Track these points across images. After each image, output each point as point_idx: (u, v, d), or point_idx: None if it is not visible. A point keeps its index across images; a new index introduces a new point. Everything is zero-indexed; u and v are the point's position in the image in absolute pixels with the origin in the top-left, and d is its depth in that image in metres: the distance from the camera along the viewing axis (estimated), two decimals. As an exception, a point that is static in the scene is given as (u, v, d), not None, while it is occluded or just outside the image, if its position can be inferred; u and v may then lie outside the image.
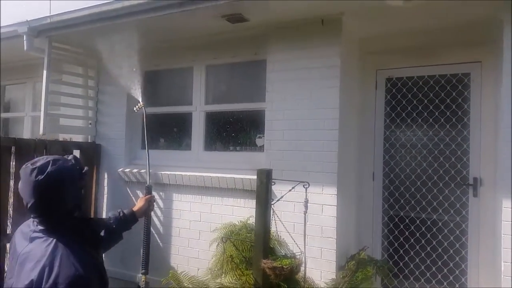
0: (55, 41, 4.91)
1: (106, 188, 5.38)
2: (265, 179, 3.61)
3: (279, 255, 4.00)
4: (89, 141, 5.45)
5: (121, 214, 2.59)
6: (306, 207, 3.64)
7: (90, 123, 5.48)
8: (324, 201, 3.95)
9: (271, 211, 3.76)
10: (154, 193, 4.97)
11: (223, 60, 4.87)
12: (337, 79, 3.96)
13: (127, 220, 2.61)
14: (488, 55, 3.97)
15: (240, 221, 4.35)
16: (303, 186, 3.67)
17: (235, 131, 4.86)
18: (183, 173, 4.76)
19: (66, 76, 5.30)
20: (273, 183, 3.68)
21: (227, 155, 4.82)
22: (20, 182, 1.83)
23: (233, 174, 4.45)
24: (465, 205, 4.10)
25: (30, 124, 6.54)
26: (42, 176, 1.75)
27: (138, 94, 4.38)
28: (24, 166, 1.83)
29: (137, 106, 4.43)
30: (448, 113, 4.20)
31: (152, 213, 4.97)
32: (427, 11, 3.69)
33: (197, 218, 4.72)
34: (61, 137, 5.52)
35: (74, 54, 5.28)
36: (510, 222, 3.19)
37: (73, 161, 1.92)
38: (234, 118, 4.87)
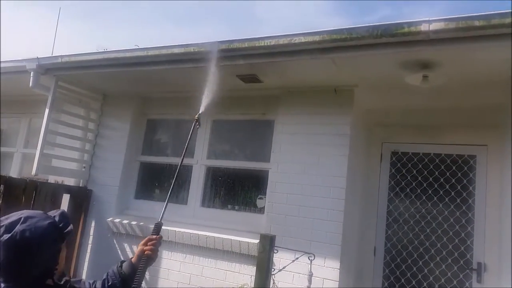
0: (62, 80, 4.86)
1: (91, 237, 5.08)
2: (268, 246, 3.44)
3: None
4: (81, 185, 5.22)
5: (119, 268, 1.88)
6: (310, 281, 3.46)
7: (84, 167, 5.29)
8: (326, 275, 3.76)
9: (272, 281, 3.55)
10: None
11: (230, 116, 4.85)
12: (347, 147, 3.94)
13: (123, 276, 1.87)
14: (495, 139, 4.04)
15: None
16: (308, 258, 3.52)
17: (235, 189, 4.73)
18: (176, 229, 4.53)
19: (65, 116, 5.18)
20: (275, 251, 3.51)
21: (224, 214, 4.64)
22: None
23: (230, 235, 4.25)
24: (469, 291, 3.96)
25: (20, 161, 6.29)
26: (8, 236, 1.52)
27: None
28: None
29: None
30: (452, 193, 4.18)
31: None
32: (438, 92, 3.77)
33: (186, 281, 4.43)
34: (53, 179, 5.28)
35: (79, 95, 5.21)
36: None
37: (56, 218, 1.67)
38: (235, 176, 4.76)
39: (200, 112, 2.59)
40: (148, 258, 1.87)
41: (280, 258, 3.72)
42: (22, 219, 1.58)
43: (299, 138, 4.20)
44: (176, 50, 3.90)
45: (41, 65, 4.61)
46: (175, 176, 2.38)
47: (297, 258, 3.57)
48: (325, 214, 3.90)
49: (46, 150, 4.81)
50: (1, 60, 5.06)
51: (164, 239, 4.49)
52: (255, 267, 4.01)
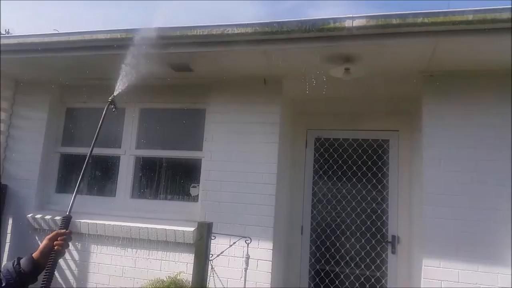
0: (-33, 67, 4.37)
1: (9, 235, 4.71)
2: (206, 233, 3.52)
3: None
4: (-7, 180, 4.80)
5: (17, 267, 1.66)
6: (247, 263, 3.62)
7: (-3, 161, 4.85)
8: (260, 256, 3.95)
9: (210, 267, 3.65)
10: (68, 243, 4.53)
11: (160, 104, 4.78)
12: (277, 135, 4.13)
13: (21, 274, 1.64)
14: (405, 125, 4.52)
15: (169, 276, 4.13)
16: (245, 241, 3.66)
17: (167, 179, 4.71)
18: (105, 222, 4.40)
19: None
20: (213, 238, 3.60)
21: (157, 204, 4.60)
22: None
23: (163, 225, 4.25)
24: (385, 261, 4.43)
25: None
26: None
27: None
28: None
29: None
30: (369, 174, 4.61)
31: (65, 266, 4.51)
32: (356, 83, 4.10)
33: (119, 273, 4.35)
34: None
35: (-13, 82, 4.73)
36: (429, 280, 3.52)
37: None
38: (167, 166, 4.73)
39: (114, 94, 2.36)
40: (58, 253, 1.73)
41: (216, 244, 3.83)
42: None
43: (231, 126, 4.29)
44: (101, 36, 3.73)
45: None
46: (83, 167, 2.16)
47: (234, 243, 3.71)
48: (258, 199, 4.08)
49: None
50: None
51: (93, 233, 4.41)
52: (190, 255, 4.09)
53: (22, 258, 1.70)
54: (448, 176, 3.59)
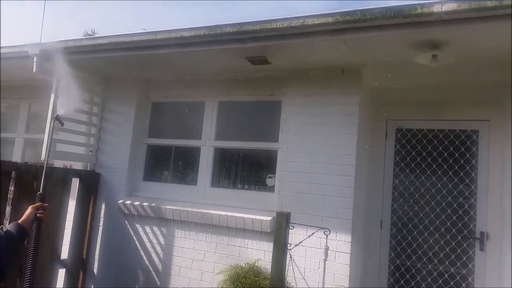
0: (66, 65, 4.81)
1: (102, 219, 5.16)
2: (284, 223, 3.58)
3: (291, 302, 3.93)
4: (89, 169, 5.26)
5: (4, 228, 2.02)
6: (326, 254, 3.63)
7: (91, 151, 5.31)
8: (338, 248, 3.93)
9: (289, 256, 3.71)
10: (155, 228, 4.86)
11: (237, 97, 4.90)
12: (355, 126, 4.05)
13: (10, 236, 1.99)
14: (496, 115, 4.18)
15: (247, 263, 4.27)
16: (324, 232, 3.67)
17: (244, 169, 4.84)
18: (188, 209, 4.64)
19: (70, 101, 5.15)
20: (291, 227, 3.65)
21: (234, 193, 4.75)
22: None
23: (242, 213, 4.38)
24: (471, 258, 4.18)
25: (22, 147, 6.27)
26: None
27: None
28: None
29: None
30: (456, 167, 4.34)
31: (151, 249, 4.84)
32: (442, 70, 3.86)
33: (201, 258, 4.58)
34: (59, 163, 5.29)
35: (82, 79, 5.17)
36: (525, 280, 3.27)
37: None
38: (244, 156, 4.86)
39: (58, 113, 2.81)
40: (40, 221, 2.15)
41: (293, 234, 3.87)
42: None
43: (307, 118, 4.28)
44: (185, 33, 3.90)
45: (45, 50, 4.56)
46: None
47: (313, 233, 3.73)
48: (336, 191, 4.04)
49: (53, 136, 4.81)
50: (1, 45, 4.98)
51: (177, 219, 4.67)
52: (267, 243, 4.19)
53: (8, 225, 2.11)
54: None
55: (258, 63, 4.20)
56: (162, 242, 4.81)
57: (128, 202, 4.99)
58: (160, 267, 4.78)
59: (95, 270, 5.09)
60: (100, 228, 5.18)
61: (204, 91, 5.03)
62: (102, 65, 4.99)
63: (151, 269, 4.81)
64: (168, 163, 5.36)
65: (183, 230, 4.72)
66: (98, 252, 5.14)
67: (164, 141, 5.29)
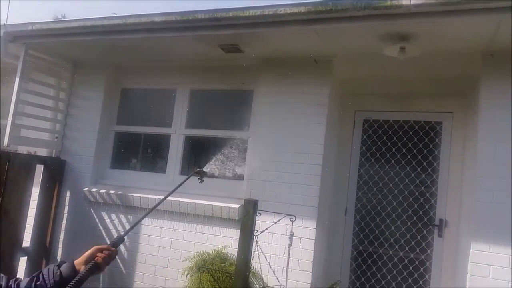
0: (32, 48, 4.65)
1: (67, 207, 5.05)
2: (252, 210, 3.62)
3: (255, 287, 3.99)
4: (54, 155, 5.12)
5: (56, 269, 1.63)
6: (291, 240, 3.71)
7: (57, 137, 5.17)
8: (303, 234, 4.02)
9: (255, 242, 3.76)
10: (121, 216, 4.81)
11: (209, 86, 4.89)
12: (325, 116, 4.14)
13: (62, 281, 1.60)
14: (460, 107, 4.37)
15: (214, 250, 4.30)
16: (290, 219, 3.75)
17: (215, 157, 4.84)
18: (156, 197, 4.61)
19: (34, 85, 4.98)
20: (258, 214, 3.70)
21: (204, 181, 4.73)
22: None
23: (210, 201, 4.40)
24: (430, 245, 4.38)
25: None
26: None
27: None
28: None
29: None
30: (419, 157, 4.52)
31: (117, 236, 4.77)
32: (409, 62, 4.00)
33: (167, 245, 4.57)
34: (23, 150, 5.12)
35: (49, 64, 5.03)
36: (477, 264, 3.46)
37: None
38: (214, 145, 4.86)
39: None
40: (96, 265, 1.63)
41: (261, 221, 3.93)
42: None
43: (278, 107, 4.33)
44: (156, 19, 3.84)
45: (9, 32, 4.39)
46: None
47: (279, 220, 3.80)
48: (303, 179, 4.12)
49: (16, 121, 4.65)
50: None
51: (144, 207, 4.64)
52: (235, 230, 4.23)
53: (65, 262, 1.67)
54: (502, 160, 3.48)
55: (230, 51, 4.20)
56: (130, 230, 4.76)
57: (94, 189, 4.90)
58: (126, 254, 4.74)
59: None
60: (65, 216, 5.07)
61: (176, 78, 4.99)
62: (70, 50, 4.87)
63: (116, 257, 4.75)
64: (137, 150, 5.29)
65: (150, 218, 4.68)
66: (62, 240, 5.03)
67: (133, 128, 5.22)
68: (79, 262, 1.65)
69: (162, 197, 4.50)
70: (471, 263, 3.50)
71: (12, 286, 1.56)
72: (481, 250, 3.47)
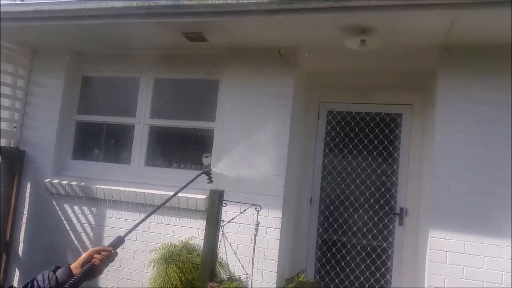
0: (-15, 33, 4.43)
1: (28, 199, 4.89)
2: (217, 201, 3.63)
3: (222, 277, 4.01)
4: (12, 146, 4.93)
5: (51, 274, 1.54)
6: (257, 230, 3.74)
7: (15, 126, 4.98)
8: (269, 224, 4.07)
9: (221, 233, 3.78)
10: (85, 208, 4.71)
11: (174, 75, 4.82)
12: (289, 108, 4.17)
13: (58, 286, 1.52)
14: (419, 100, 4.51)
15: (181, 241, 4.28)
16: (255, 209, 3.78)
17: (180, 148, 4.81)
18: (120, 188, 4.54)
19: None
20: (224, 205, 3.72)
21: (170, 172, 4.71)
22: None
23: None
24: (392, 232, 4.52)
25: None
26: None
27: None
28: None
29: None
30: (380, 148, 4.64)
31: (81, 229, 4.70)
32: (371, 56, 4.07)
33: (133, 237, 4.51)
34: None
35: (6, 49, 4.80)
36: (435, 251, 3.60)
37: None
38: (180, 135, 4.82)
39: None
40: (93, 268, 1.55)
41: (227, 211, 3.94)
42: None
43: (244, 98, 4.33)
44: (117, 4, 3.73)
45: (-40, 15, 4.16)
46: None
47: (245, 210, 3.82)
48: (269, 169, 4.15)
49: (-30, 109, 4.45)
50: None
51: (108, 199, 4.56)
52: (202, 221, 4.22)
53: (60, 267, 1.58)
54: (458, 150, 3.62)
55: (194, 39, 4.15)
56: (93, 222, 4.68)
57: (55, 181, 4.77)
58: (90, 247, 4.63)
59: (20, 252, 4.83)
60: (26, 208, 4.91)
61: (140, 66, 4.87)
62: (28, 35, 4.67)
63: (80, 249, 4.67)
64: (100, 141, 5.17)
65: (115, 210, 4.61)
66: (23, 233, 4.88)
67: (96, 117, 5.08)
68: (76, 266, 1.55)
69: (127, 189, 4.49)
70: (430, 250, 3.64)
71: None
72: (439, 237, 3.62)
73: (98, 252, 1.60)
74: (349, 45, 3.65)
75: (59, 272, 1.54)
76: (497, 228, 3.48)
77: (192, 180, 2.57)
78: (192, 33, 4.00)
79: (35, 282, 1.51)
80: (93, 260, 1.56)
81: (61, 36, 4.59)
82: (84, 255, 1.58)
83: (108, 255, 1.61)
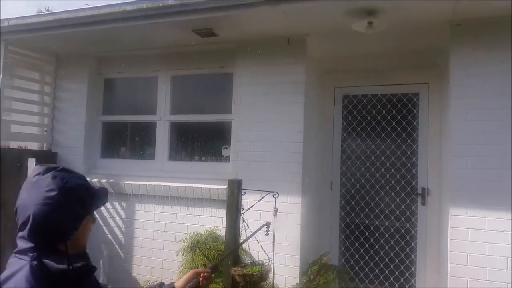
0: (11, 44, 4.71)
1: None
2: (236, 189, 3.75)
3: (246, 263, 4.15)
4: (45, 149, 5.24)
5: None
6: (275, 215, 3.83)
7: (46, 131, 5.28)
8: (289, 210, 4.16)
9: (241, 220, 3.90)
10: (115, 203, 4.95)
11: (189, 71, 4.95)
12: (302, 94, 4.21)
13: None
14: (435, 78, 4.43)
15: (206, 230, 4.45)
16: (273, 196, 3.86)
17: (200, 141, 4.96)
18: (147, 183, 4.75)
19: (19, 81, 5.07)
20: (243, 193, 3.83)
21: (192, 165, 4.88)
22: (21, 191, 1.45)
23: (199, 184, 4.53)
24: (414, 213, 4.51)
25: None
26: (43, 176, 1.38)
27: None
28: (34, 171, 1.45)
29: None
30: (399, 129, 4.61)
31: (113, 223, 4.95)
32: (383, 37, 4.05)
33: (161, 228, 4.73)
34: (14, 145, 5.24)
35: (31, 58, 5.09)
36: (456, 228, 3.59)
37: (95, 186, 1.58)
38: (199, 129, 4.97)
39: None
40: (198, 285, 1.84)
41: (247, 200, 4.04)
42: (60, 167, 1.47)
43: (257, 88, 4.41)
44: (128, 7, 3.88)
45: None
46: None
47: (263, 197, 3.90)
48: (286, 157, 4.23)
49: (4, 117, 4.75)
50: None
51: (136, 193, 4.78)
52: (224, 210, 4.36)
53: (164, 283, 1.82)
54: (474, 126, 3.58)
55: (205, 35, 4.25)
56: (123, 216, 4.93)
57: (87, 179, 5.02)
58: (122, 239, 4.91)
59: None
60: (61, 207, 5.21)
61: (156, 65, 5.05)
62: (50, 43, 4.92)
63: (114, 242, 4.93)
64: (125, 139, 5.40)
65: (143, 204, 4.84)
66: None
67: (119, 117, 5.32)
68: (180, 285, 1.81)
69: (153, 183, 4.68)
70: (451, 228, 3.63)
71: None
72: (459, 214, 3.60)
73: (199, 273, 1.87)
74: (356, 27, 3.64)
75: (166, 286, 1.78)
76: (519, 203, 3.43)
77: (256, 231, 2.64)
78: (202, 29, 4.10)
79: None
80: (200, 280, 1.84)
81: (81, 42, 4.81)
82: (187, 276, 1.85)
83: (208, 276, 1.88)
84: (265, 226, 3.22)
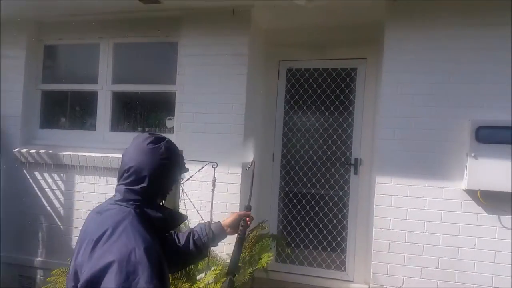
0: None
1: (0, 169, 5.03)
2: (176, 159, 3.82)
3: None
4: (-22, 118, 5.01)
5: (208, 228, 2.03)
6: (214, 185, 3.94)
7: (-21, 99, 5.03)
8: (230, 180, 4.29)
9: (181, 189, 3.99)
10: (54, 174, 4.86)
11: (133, 39, 4.84)
12: (245, 66, 4.29)
13: (214, 238, 2.03)
14: (373, 53, 4.64)
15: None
16: (212, 166, 3.96)
17: (143, 112, 4.93)
18: (87, 154, 4.69)
19: None
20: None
21: (134, 136, 4.84)
22: (129, 147, 1.82)
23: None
24: (347, 182, 4.79)
25: None
26: (156, 145, 1.75)
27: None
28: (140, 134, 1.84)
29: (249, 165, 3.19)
30: (337, 102, 4.83)
31: (52, 195, 4.88)
32: (323, 11, 4.19)
33: (102, 199, 4.63)
34: None
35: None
36: (381, 195, 3.88)
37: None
38: (142, 99, 4.93)
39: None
40: (247, 226, 2.09)
41: (189, 171, 4.13)
42: (167, 139, 1.84)
43: (202, 59, 4.42)
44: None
45: None
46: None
47: (202, 167, 4.01)
48: (228, 128, 4.32)
49: None
50: None
51: (76, 165, 4.72)
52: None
53: (212, 222, 2.08)
54: (403, 99, 3.84)
55: (148, 1, 4.18)
56: (63, 188, 4.85)
57: (24, 150, 4.89)
58: (62, 211, 4.85)
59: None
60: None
61: (99, 32, 4.90)
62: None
63: (53, 214, 4.87)
64: (65, 109, 5.26)
65: (83, 175, 4.78)
66: (-4, 200, 5.05)
67: (59, 86, 5.15)
68: (226, 224, 2.07)
69: (93, 154, 4.62)
70: (376, 195, 3.92)
71: (174, 238, 2.01)
72: (385, 182, 3.89)
73: (245, 215, 2.12)
74: (297, 1, 3.73)
75: (213, 226, 2.05)
76: (438, 171, 3.75)
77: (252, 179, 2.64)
78: (143, -5, 4.03)
79: (195, 232, 2.02)
80: (248, 223, 2.10)
81: (19, 5, 4.56)
82: (232, 217, 2.10)
83: (251, 218, 2.13)
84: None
